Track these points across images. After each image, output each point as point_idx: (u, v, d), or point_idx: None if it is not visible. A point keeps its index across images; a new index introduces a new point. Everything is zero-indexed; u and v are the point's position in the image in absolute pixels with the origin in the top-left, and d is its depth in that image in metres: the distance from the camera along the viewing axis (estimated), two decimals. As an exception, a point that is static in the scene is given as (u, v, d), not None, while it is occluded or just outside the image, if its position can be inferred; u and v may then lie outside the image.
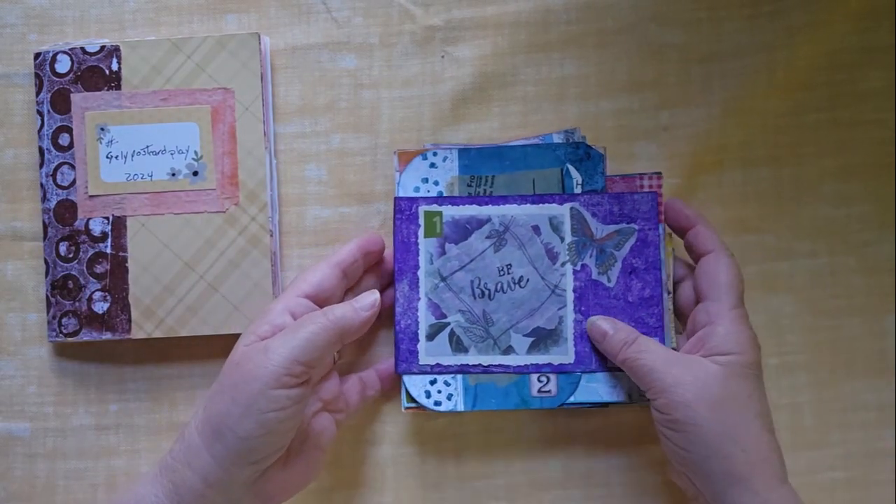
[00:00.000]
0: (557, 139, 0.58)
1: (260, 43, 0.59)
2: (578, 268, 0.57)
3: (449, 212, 0.57)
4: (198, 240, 0.59)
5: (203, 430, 0.50)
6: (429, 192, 0.58)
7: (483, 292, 0.57)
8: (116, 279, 0.59)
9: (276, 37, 0.61)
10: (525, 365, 0.57)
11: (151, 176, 0.59)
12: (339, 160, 0.61)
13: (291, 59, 0.61)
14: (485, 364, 0.57)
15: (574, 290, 0.57)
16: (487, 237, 0.57)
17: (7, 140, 0.61)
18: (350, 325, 0.52)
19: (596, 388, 0.57)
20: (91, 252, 0.59)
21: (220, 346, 0.60)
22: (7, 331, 0.61)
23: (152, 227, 0.59)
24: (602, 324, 0.56)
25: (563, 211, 0.57)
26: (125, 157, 0.59)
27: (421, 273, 0.57)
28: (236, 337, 0.56)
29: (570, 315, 0.57)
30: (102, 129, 0.59)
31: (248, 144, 0.59)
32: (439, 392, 0.57)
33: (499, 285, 0.57)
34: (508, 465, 0.61)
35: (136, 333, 0.59)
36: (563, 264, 0.57)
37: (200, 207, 0.59)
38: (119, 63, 0.59)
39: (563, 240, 0.57)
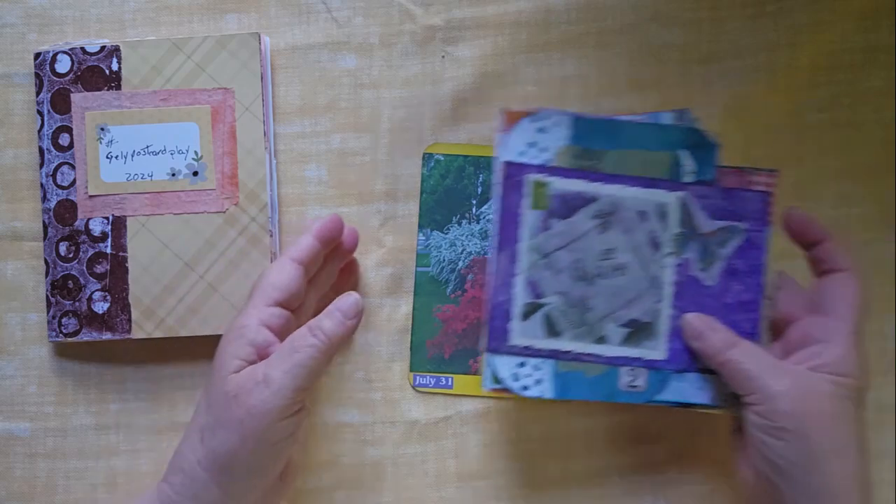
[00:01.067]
0: (666, 120, 0.54)
1: (260, 43, 0.59)
2: (681, 261, 0.54)
3: (557, 184, 0.53)
4: (198, 240, 0.59)
5: (209, 467, 0.49)
6: (535, 159, 0.53)
7: (583, 275, 0.54)
8: (116, 279, 0.59)
9: (276, 37, 0.61)
10: (617, 357, 0.54)
11: (151, 176, 0.59)
12: (339, 160, 0.61)
13: (291, 59, 0.61)
14: (577, 351, 0.54)
15: (673, 284, 0.54)
16: (594, 217, 0.54)
17: (7, 140, 0.61)
18: (341, 338, 0.51)
19: (684, 388, 0.54)
20: (91, 252, 0.59)
21: (220, 346, 0.60)
22: (7, 331, 0.61)
23: (152, 227, 0.59)
24: (698, 322, 0.53)
25: (672, 199, 0.54)
26: (125, 157, 0.59)
27: (522, 247, 0.54)
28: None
29: (666, 309, 0.54)
30: (102, 129, 0.59)
31: (248, 144, 0.59)
32: (528, 376, 0.54)
33: (599, 269, 0.54)
34: (508, 465, 0.61)
35: (137, 333, 0.59)
36: (665, 255, 0.54)
37: (200, 207, 0.59)
38: (119, 63, 0.59)
39: (667, 229, 0.54)
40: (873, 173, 0.62)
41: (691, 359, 0.54)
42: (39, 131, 0.60)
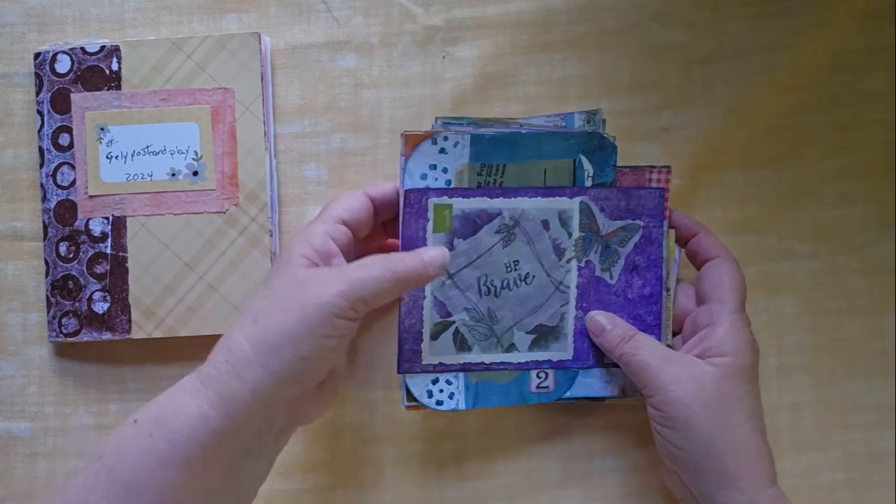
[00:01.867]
0: (579, 119, 0.57)
1: (260, 42, 0.59)
2: (583, 264, 0.57)
3: (459, 204, 0.55)
4: (198, 240, 0.59)
5: (258, 344, 0.49)
6: (436, 179, 0.55)
7: (490, 289, 0.56)
8: (116, 279, 0.59)
9: (276, 36, 0.61)
10: (526, 362, 0.57)
11: (151, 176, 0.59)
12: (339, 160, 0.61)
13: (291, 59, 0.61)
14: (487, 362, 0.57)
15: (577, 287, 0.57)
16: (497, 232, 0.55)
17: (7, 140, 0.61)
18: (417, 280, 0.51)
19: (591, 383, 0.57)
20: (91, 252, 0.59)
21: (220, 347, 0.60)
22: (8, 331, 0.61)
23: (152, 228, 0.59)
24: (600, 319, 0.56)
25: (572, 205, 0.56)
26: (125, 157, 0.59)
27: None
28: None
29: (571, 312, 0.57)
30: (102, 129, 0.59)
31: (248, 144, 0.59)
32: (441, 391, 0.56)
33: (505, 282, 0.56)
34: (508, 465, 0.61)
35: (136, 333, 0.59)
36: (568, 260, 0.56)
37: (200, 208, 0.59)
38: (119, 63, 0.59)
39: (570, 235, 0.56)
40: (873, 173, 0.62)
41: (595, 355, 0.57)
42: (39, 131, 0.59)
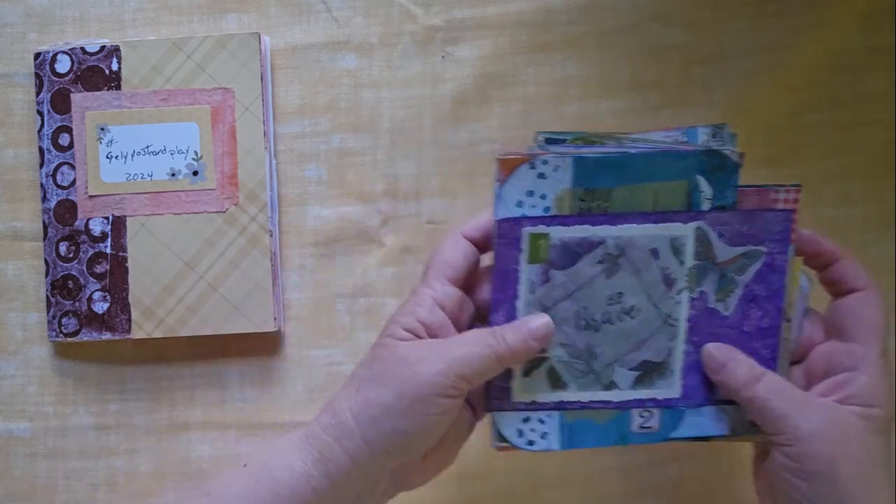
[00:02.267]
0: (703, 133, 0.51)
1: (260, 42, 0.59)
2: (696, 295, 0.51)
3: (557, 233, 0.49)
4: (198, 240, 0.59)
5: (359, 415, 0.49)
6: (534, 206, 0.49)
7: (588, 324, 0.51)
8: (116, 279, 0.59)
9: (276, 36, 0.61)
10: (628, 401, 0.51)
11: (151, 176, 0.59)
12: (339, 160, 0.61)
13: (291, 59, 0.61)
14: (584, 401, 0.51)
15: (688, 320, 0.51)
16: (599, 262, 0.50)
17: (7, 140, 0.61)
18: (520, 355, 0.49)
19: (700, 421, 0.52)
20: (91, 252, 0.59)
21: (219, 346, 0.60)
22: (8, 330, 0.61)
23: (152, 227, 0.59)
24: (720, 354, 0.50)
25: (687, 231, 0.50)
26: (125, 157, 0.59)
27: (520, 304, 0.50)
28: (237, 337, 0.57)
29: (680, 346, 0.51)
30: (102, 129, 0.59)
31: (247, 144, 0.59)
32: (532, 431, 0.51)
33: (606, 316, 0.51)
34: (508, 465, 0.61)
35: (136, 333, 0.59)
36: (679, 292, 0.51)
37: (200, 207, 0.59)
38: (119, 63, 0.59)
39: (682, 264, 0.50)
40: (873, 174, 0.62)
41: (707, 393, 0.52)
42: (39, 131, 0.60)
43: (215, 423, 0.61)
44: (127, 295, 0.59)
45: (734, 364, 0.50)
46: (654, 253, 0.50)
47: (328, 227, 0.61)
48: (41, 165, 0.60)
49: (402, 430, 0.48)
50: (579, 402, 0.51)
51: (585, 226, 0.50)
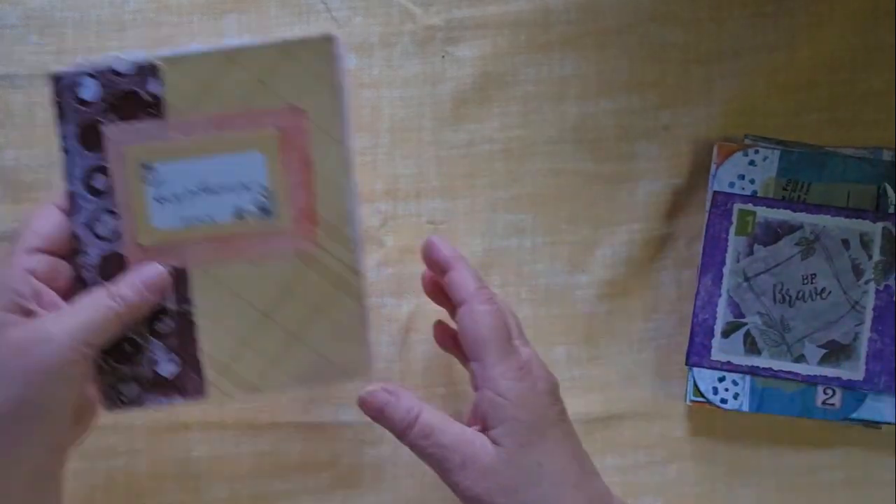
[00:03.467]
0: (888, 156, 0.59)
1: (334, 47, 0.49)
2: (881, 287, 0.58)
3: (763, 213, 0.58)
4: (274, 286, 0.51)
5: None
6: (743, 189, 0.58)
7: (784, 298, 0.58)
8: (183, 337, 0.51)
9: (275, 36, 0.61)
10: (815, 375, 0.58)
11: (213, 218, 0.50)
12: (339, 160, 0.61)
13: (291, 60, 0.61)
14: (775, 369, 0.58)
15: (874, 309, 0.58)
16: (797, 244, 0.58)
17: (7, 141, 0.61)
18: (139, 309, 0.49)
19: (880, 407, 0.58)
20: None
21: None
22: (7, 331, 0.61)
23: (220, 276, 0.51)
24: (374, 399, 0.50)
25: (875, 229, 0.58)
26: (178, 199, 0.50)
27: (726, 270, 0.58)
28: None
29: (865, 333, 0.58)
30: (147, 167, 0.50)
31: (325, 172, 0.50)
32: (727, 390, 0.58)
33: (800, 293, 0.58)
34: (509, 466, 0.61)
35: (213, 394, 0.51)
36: (866, 282, 0.58)
37: (273, 249, 0.51)
38: (159, 84, 0.50)
39: (870, 258, 0.58)
40: (873, 173, 0.62)
41: (890, 380, 0.58)
42: (67, 172, 0.50)
43: (214, 424, 0.60)
44: (197, 353, 0.51)
45: (391, 409, 0.49)
46: (846, 244, 0.58)
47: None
48: (72, 212, 0.50)
49: (39, 416, 0.46)
50: (770, 369, 0.58)
51: (787, 210, 0.58)
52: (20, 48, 0.61)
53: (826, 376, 0.58)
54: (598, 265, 0.61)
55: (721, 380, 0.58)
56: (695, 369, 0.58)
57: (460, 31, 0.61)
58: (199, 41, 0.61)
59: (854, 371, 0.58)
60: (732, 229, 0.58)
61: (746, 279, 0.58)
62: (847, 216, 0.58)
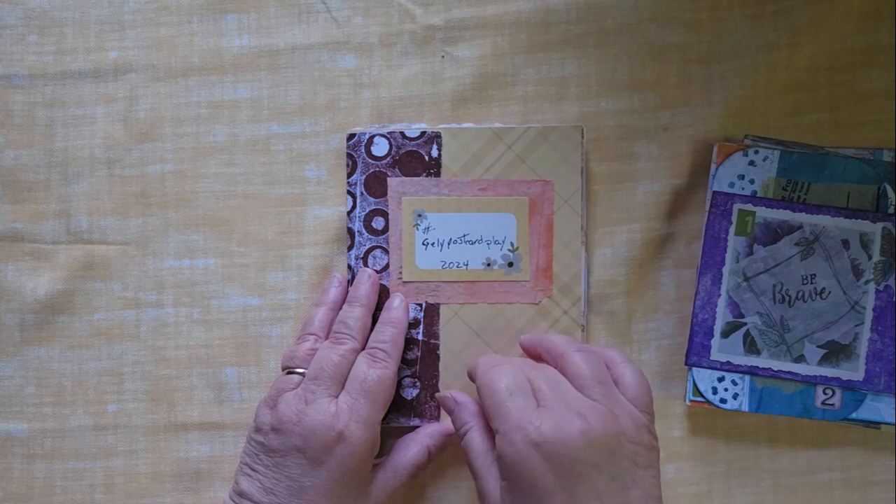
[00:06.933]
0: (888, 156, 0.59)
1: (582, 137, 0.59)
2: (881, 288, 0.58)
3: (762, 213, 0.58)
4: (509, 330, 0.59)
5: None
6: (743, 189, 0.58)
7: (784, 298, 0.58)
8: (427, 366, 0.59)
9: (275, 36, 0.61)
10: (814, 376, 0.58)
11: (467, 265, 0.59)
12: (338, 160, 0.61)
13: (291, 59, 0.61)
14: (775, 369, 0.58)
15: (874, 310, 0.58)
16: (796, 244, 0.58)
17: (7, 141, 0.61)
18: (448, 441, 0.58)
19: (880, 407, 0.58)
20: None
21: (219, 347, 0.60)
22: (6, 332, 0.61)
23: (465, 316, 0.59)
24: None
25: (875, 229, 0.58)
26: (441, 245, 0.59)
27: (725, 270, 0.58)
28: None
29: (865, 333, 0.58)
30: (420, 216, 0.59)
31: (564, 238, 0.59)
32: (726, 390, 0.59)
33: (800, 293, 0.58)
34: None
35: (445, 421, 0.59)
36: (866, 282, 0.58)
37: (514, 298, 0.59)
38: (439, 150, 0.59)
39: (870, 258, 0.58)
40: (873, 173, 0.62)
41: (890, 381, 0.58)
42: (350, 213, 0.59)
43: (213, 424, 0.60)
44: (437, 382, 0.59)
45: (453, 416, 0.54)
46: (845, 244, 0.58)
47: (328, 227, 0.61)
48: (350, 248, 0.59)
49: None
50: (770, 369, 0.58)
51: (787, 210, 0.58)
52: (20, 48, 0.61)
53: (825, 376, 0.58)
54: (597, 265, 0.61)
55: (720, 380, 0.58)
56: (694, 369, 0.59)
57: (460, 31, 0.61)
58: (199, 41, 0.61)
59: (854, 371, 0.58)
60: (732, 229, 0.58)
61: (746, 279, 0.58)
62: (847, 216, 0.58)
